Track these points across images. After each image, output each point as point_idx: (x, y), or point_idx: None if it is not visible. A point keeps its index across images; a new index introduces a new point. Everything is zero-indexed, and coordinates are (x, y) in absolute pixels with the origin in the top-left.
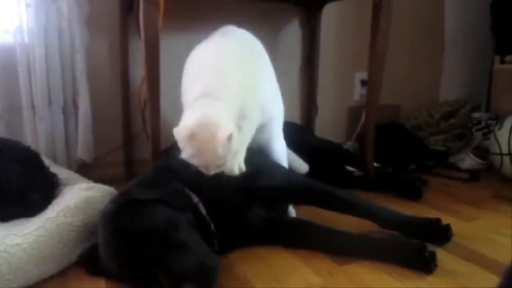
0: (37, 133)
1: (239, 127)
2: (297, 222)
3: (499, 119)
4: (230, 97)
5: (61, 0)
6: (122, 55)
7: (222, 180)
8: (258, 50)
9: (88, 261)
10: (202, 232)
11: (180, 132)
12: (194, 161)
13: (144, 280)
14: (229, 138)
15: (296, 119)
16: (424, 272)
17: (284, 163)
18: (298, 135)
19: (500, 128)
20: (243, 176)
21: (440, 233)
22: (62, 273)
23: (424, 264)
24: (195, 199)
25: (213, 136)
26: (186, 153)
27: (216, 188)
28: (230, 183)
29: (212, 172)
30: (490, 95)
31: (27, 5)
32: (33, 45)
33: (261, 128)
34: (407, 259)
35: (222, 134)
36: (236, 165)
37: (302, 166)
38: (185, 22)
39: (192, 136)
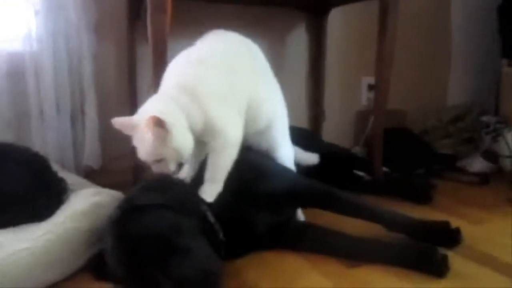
0: (45, 140)
1: (210, 150)
2: (305, 226)
3: (508, 122)
4: (187, 102)
5: (69, 7)
6: (130, 62)
7: (227, 185)
8: (241, 52)
9: (96, 267)
10: (210, 239)
11: (120, 120)
12: (138, 154)
13: (149, 286)
14: (161, 125)
15: (303, 124)
16: (436, 276)
17: (291, 168)
18: (305, 140)
19: (510, 130)
20: (248, 180)
21: (450, 236)
22: (70, 278)
23: (436, 268)
24: (204, 206)
25: (146, 125)
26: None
27: (222, 193)
28: (235, 188)
29: (156, 169)
30: (499, 98)
31: (36, 12)
32: (41, 52)
33: (261, 134)
34: (418, 263)
35: (149, 119)
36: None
37: (311, 158)
38: (192, 28)
39: (133, 126)
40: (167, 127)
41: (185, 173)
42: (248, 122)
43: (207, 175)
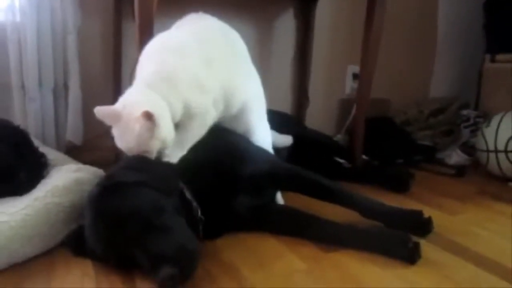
0: (26, 113)
1: (183, 125)
2: (284, 209)
3: (487, 117)
4: (168, 91)
5: None
6: (115, 38)
7: (207, 167)
8: (217, 39)
9: (74, 243)
10: (188, 217)
11: (103, 110)
12: (119, 144)
13: (128, 262)
14: (151, 119)
15: (287, 110)
16: (407, 262)
17: (269, 150)
18: (288, 124)
19: (488, 125)
20: (228, 162)
21: (422, 225)
22: (48, 254)
23: (408, 255)
24: (181, 184)
25: (134, 117)
26: (114, 136)
27: (202, 174)
28: (215, 169)
29: None
30: (480, 93)
31: None
32: (24, 23)
33: (236, 118)
34: (391, 249)
35: (140, 112)
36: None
37: (285, 139)
38: (179, 6)
39: (116, 117)
40: (155, 120)
41: None
42: (223, 108)
43: (175, 140)
